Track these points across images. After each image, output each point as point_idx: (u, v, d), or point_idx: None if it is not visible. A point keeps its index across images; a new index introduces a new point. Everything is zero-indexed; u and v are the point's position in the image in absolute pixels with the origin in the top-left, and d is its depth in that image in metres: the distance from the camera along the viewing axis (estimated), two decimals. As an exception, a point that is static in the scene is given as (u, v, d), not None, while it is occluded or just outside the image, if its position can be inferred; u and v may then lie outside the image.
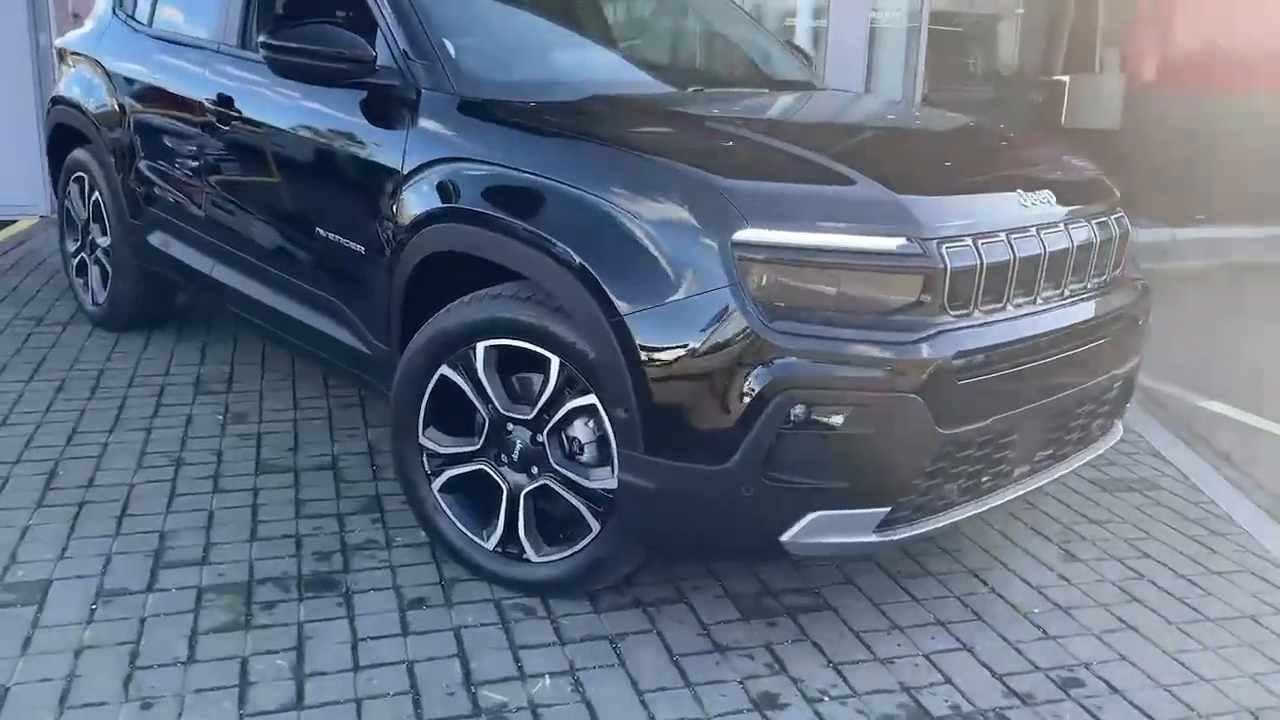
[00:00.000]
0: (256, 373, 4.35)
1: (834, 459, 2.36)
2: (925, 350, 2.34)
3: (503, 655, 2.54)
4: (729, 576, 2.90)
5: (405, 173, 2.91)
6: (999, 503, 2.67)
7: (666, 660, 2.55)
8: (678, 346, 2.33)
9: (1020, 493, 2.72)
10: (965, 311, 2.42)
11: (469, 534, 2.84)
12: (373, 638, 2.59)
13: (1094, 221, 2.80)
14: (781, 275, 2.32)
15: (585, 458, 2.70)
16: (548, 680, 2.46)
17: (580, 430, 2.69)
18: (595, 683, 2.45)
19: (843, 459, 2.36)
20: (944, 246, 2.37)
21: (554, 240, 2.48)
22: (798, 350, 2.28)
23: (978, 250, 2.42)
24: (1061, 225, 2.67)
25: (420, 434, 2.83)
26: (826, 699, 2.44)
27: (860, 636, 2.69)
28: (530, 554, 2.76)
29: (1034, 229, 2.58)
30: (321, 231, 3.23)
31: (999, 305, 2.50)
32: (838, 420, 2.32)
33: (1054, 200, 2.72)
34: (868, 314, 2.35)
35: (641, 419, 2.38)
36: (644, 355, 2.35)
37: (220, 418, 3.89)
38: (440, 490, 2.86)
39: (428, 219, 2.81)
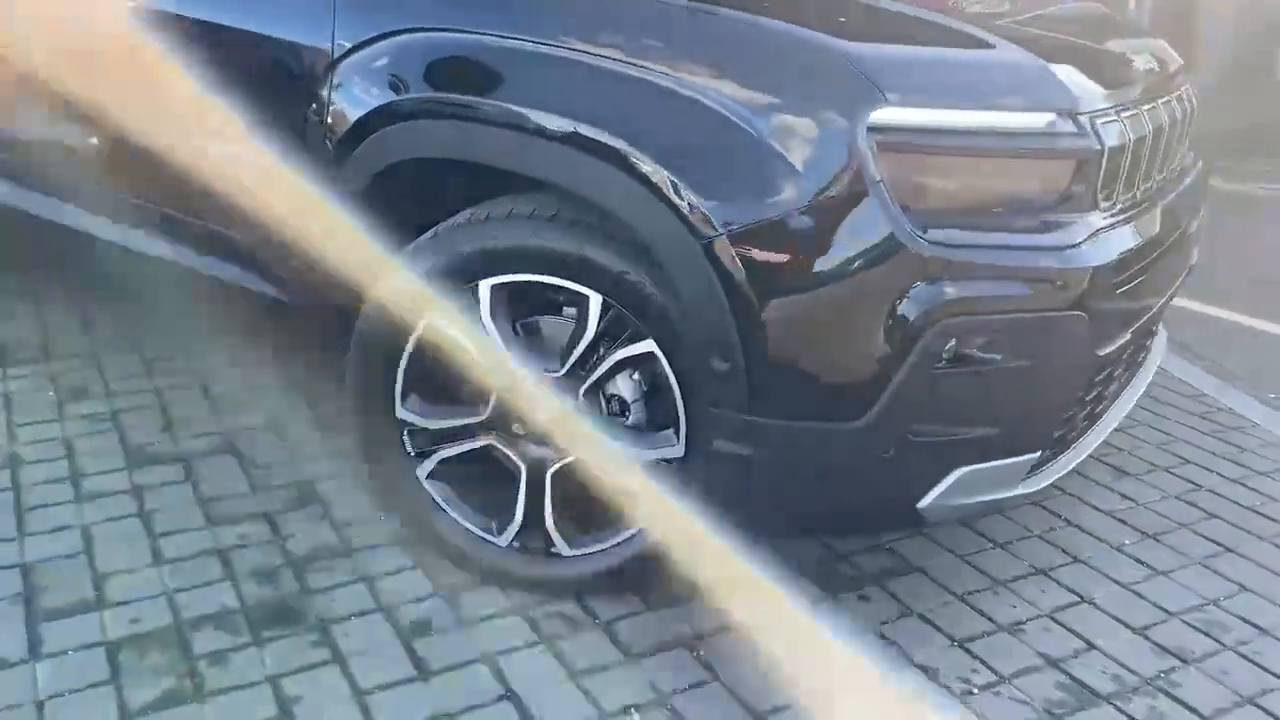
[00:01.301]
0: (78, 332, 3.38)
1: (988, 401, 1.87)
2: (1090, 254, 1.86)
3: (565, 691, 1.94)
4: (775, 540, 2.39)
5: (336, 56, 2.13)
6: (1113, 428, 2.27)
7: (767, 665, 2.02)
8: (801, 272, 1.74)
9: (1121, 416, 2.33)
10: (1111, 203, 1.95)
11: (475, 529, 2.18)
12: (382, 688, 1.92)
13: (1180, 93, 2.38)
14: (930, 168, 1.77)
15: (631, 421, 2.09)
16: (637, 718, 1.89)
17: (625, 386, 2.07)
18: (697, 707, 1.90)
19: (998, 400, 1.87)
20: (1099, 123, 1.88)
21: (608, 136, 1.82)
22: (956, 266, 1.75)
23: (1125, 126, 1.95)
24: (1170, 98, 2.24)
25: (398, 406, 2.13)
26: (975, 691, 1.99)
27: (967, 600, 2.26)
28: (561, 547, 2.14)
29: (1157, 101, 2.13)
30: (217, 149, 2.39)
31: (1132, 192, 2.05)
32: (997, 351, 1.82)
33: (1158, 69, 2.29)
34: (1025, 214, 1.84)
35: (748, 370, 1.79)
36: (753, 287, 1.75)
37: (51, 395, 2.98)
38: (430, 477, 2.18)
39: (383, 118, 2.06)
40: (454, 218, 2.02)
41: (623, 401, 2.09)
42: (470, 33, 1.97)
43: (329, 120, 2.14)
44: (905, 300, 1.74)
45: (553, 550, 2.16)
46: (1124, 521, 2.61)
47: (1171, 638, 2.18)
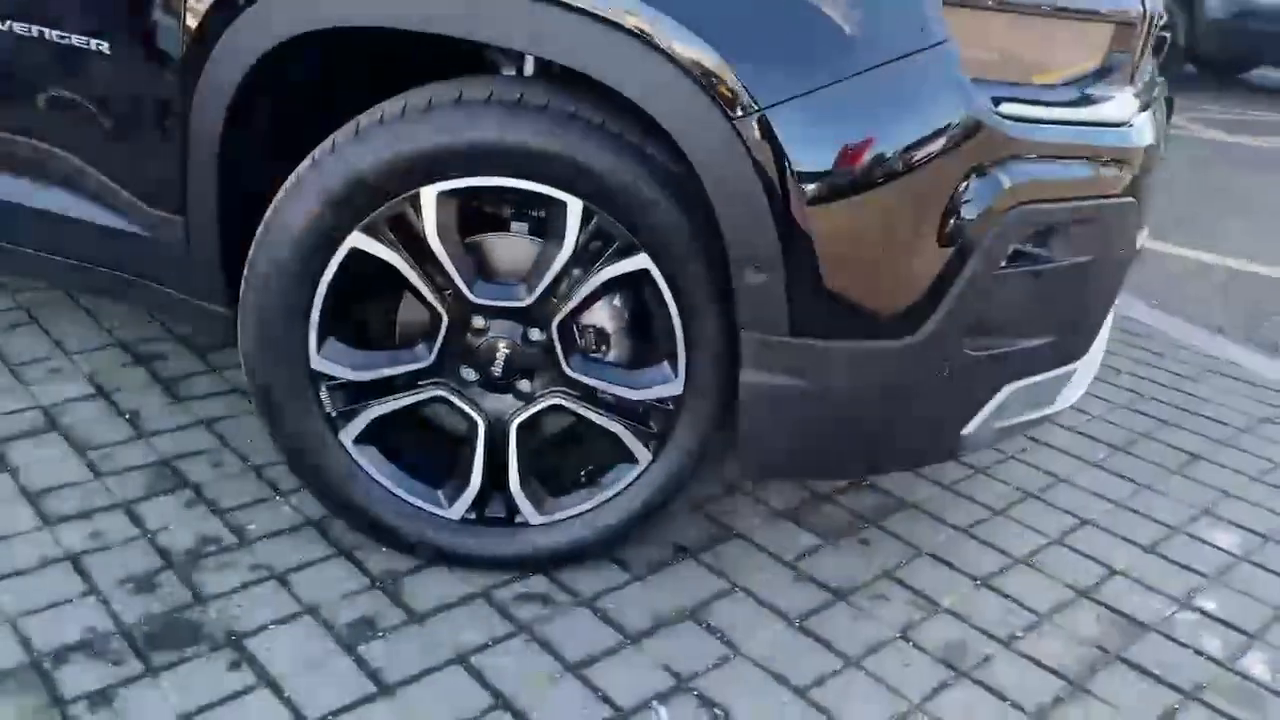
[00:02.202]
0: None
1: (1049, 304, 1.62)
2: (1141, 133, 1.64)
3: (566, 688, 1.58)
4: (730, 479, 2.10)
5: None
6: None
7: (789, 631, 1.73)
8: (856, 154, 1.42)
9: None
10: (1135, 85, 1.73)
11: (417, 502, 1.76)
12: (336, 714, 1.50)
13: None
14: (996, 30, 1.48)
15: (614, 356, 1.73)
16: (664, 715, 1.55)
17: (604, 315, 1.70)
18: (731, 691, 1.58)
19: (1057, 302, 1.63)
20: None
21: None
22: (1028, 145, 1.48)
23: (1147, -3, 1.72)
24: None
25: (313, 354, 1.67)
26: (1020, 634, 1.77)
27: (972, 534, 2.04)
28: (529, 514, 1.76)
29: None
30: (18, 28, 1.81)
31: (1144, 76, 1.83)
32: (1059, 245, 1.57)
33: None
34: (1081, 87, 1.58)
35: (790, 282, 1.46)
36: (799, 176, 1.41)
37: None
38: (357, 442, 1.73)
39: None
40: (383, 107, 1.57)
41: (600, 334, 1.72)
42: None
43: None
44: (973, 186, 1.46)
45: (518, 519, 1.77)
46: (1090, 436, 2.47)
47: (1183, 554, 2.03)
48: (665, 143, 1.54)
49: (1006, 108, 1.45)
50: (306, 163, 1.59)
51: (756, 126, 1.40)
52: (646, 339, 1.73)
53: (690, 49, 1.39)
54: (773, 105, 1.39)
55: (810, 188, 1.41)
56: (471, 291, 1.63)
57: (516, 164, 1.54)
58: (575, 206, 1.56)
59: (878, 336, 1.51)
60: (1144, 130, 1.66)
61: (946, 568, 1.92)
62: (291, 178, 1.60)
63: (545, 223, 1.62)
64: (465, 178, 1.56)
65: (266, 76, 1.64)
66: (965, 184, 1.45)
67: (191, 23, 1.63)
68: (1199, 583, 1.95)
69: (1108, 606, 1.85)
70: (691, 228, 1.55)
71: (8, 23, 1.80)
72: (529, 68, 1.78)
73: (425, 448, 1.81)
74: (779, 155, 1.41)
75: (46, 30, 1.78)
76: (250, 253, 1.64)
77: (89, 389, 2.29)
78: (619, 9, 1.40)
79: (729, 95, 1.39)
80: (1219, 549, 2.06)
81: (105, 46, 1.74)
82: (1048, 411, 1.75)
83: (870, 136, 1.41)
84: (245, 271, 1.64)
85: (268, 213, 1.61)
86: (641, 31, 1.40)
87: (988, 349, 1.58)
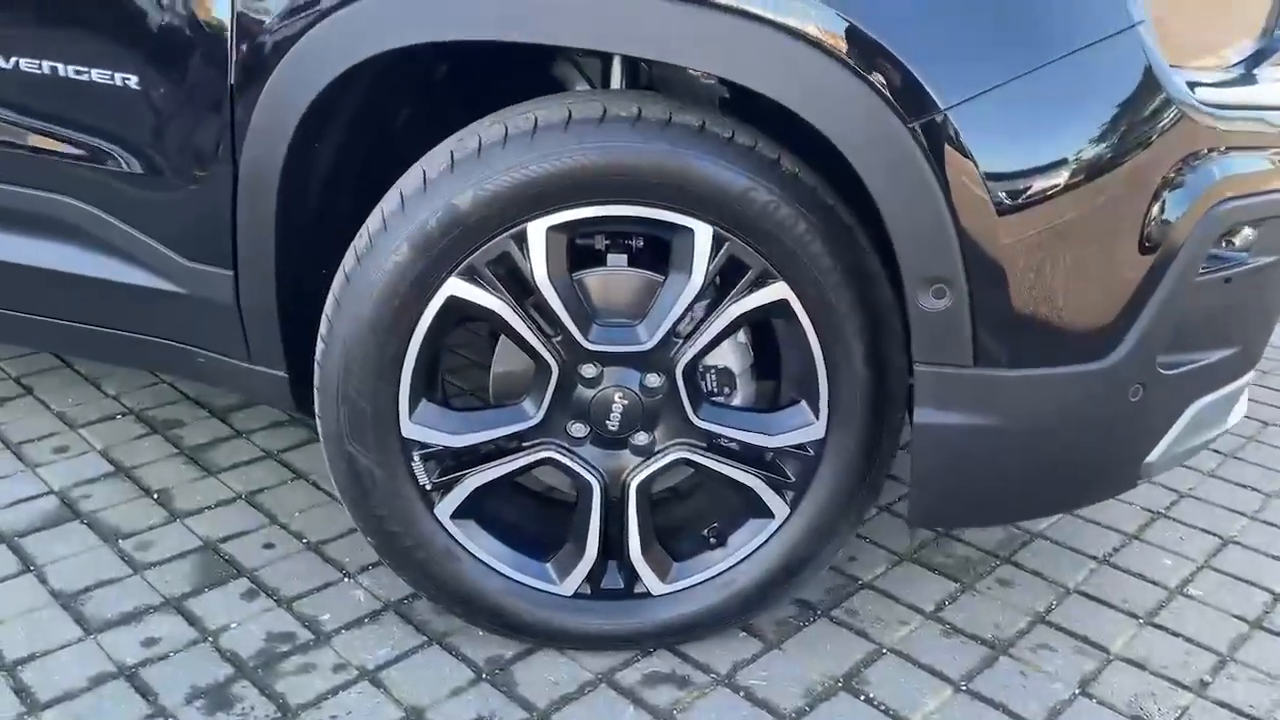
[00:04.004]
0: None
1: (1239, 309, 1.45)
2: (1319, 116, 1.47)
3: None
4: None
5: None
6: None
7: (958, 697, 1.53)
8: (1049, 156, 1.23)
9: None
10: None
11: (524, 579, 1.54)
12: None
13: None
14: (1187, 3, 1.31)
15: (740, 400, 1.53)
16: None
17: (730, 354, 1.50)
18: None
19: (1247, 309, 1.46)
20: None
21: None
22: (1228, 135, 1.31)
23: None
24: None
25: (404, 420, 1.44)
26: (1209, 678, 1.59)
27: (1115, 564, 1.86)
28: (651, 584, 1.55)
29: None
30: (25, 64, 1.57)
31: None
32: (1257, 243, 1.40)
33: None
34: (1255, 64, 1.42)
35: (974, 304, 1.27)
36: (987, 181, 1.22)
37: None
38: (455, 516, 1.51)
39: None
40: (478, 134, 1.35)
41: (724, 375, 1.51)
42: None
43: (230, 28, 1.41)
44: (1176, 183, 1.28)
45: (638, 589, 1.55)
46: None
47: (1342, 570, 1.88)
48: (803, 155, 1.36)
49: (1202, 93, 1.27)
50: (391, 203, 1.37)
51: (938, 130, 1.21)
52: (774, 378, 1.53)
53: (859, 46, 1.20)
54: (956, 105, 1.20)
55: (1001, 195, 1.23)
56: (586, 337, 1.42)
57: (638, 188, 1.34)
58: (704, 233, 1.36)
59: (1070, 361, 1.32)
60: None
61: (1102, 606, 1.74)
62: (373, 221, 1.38)
63: (667, 253, 1.41)
64: (579, 208, 1.35)
65: (334, 105, 1.42)
66: (1168, 181, 1.27)
67: (243, 45, 1.41)
68: (1367, 601, 1.79)
69: (1292, 642, 1.68)
70: (834, 250, 1.36)
71: (13, 60, 1.55)
72: (615, 80, 1.58)
73: (527, 515, 1.59)
74: (964, 161, 1.22)
75: (60, 66, 1.54)
76: (327, 308, 1.41)
77: (105, 467, 2.04)
78: (776, 5, 1.20)
79: (906, 96, 1.20)
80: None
81: (133, 81, 1.51)
82: (1221, 430, 1.57)
83: (1066, 133, 1.23)
84: (322, 329, 1.42)
85: (346, 262, 1.39)
86: (801, 29, 1.20)
87: (1180, 366, 1.40)
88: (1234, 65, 1.41)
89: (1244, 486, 2.14)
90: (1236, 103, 1.32)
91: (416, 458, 1.46)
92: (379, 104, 1.53)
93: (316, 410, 1.46)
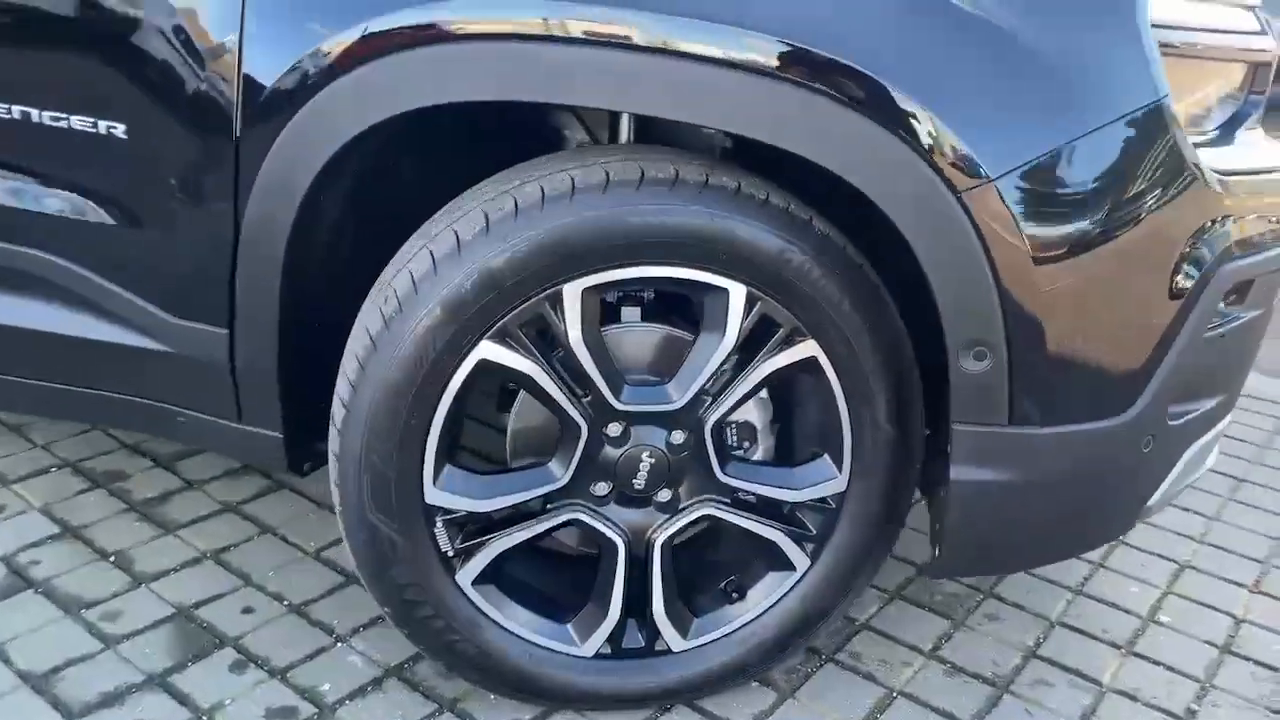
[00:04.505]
0: None
1: (1230, 360, 1.54)
2: (1291, 176, 1.57)
3: None
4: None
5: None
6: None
7: (971, 737, 1.57)
8: (1090, 220, 1.28)
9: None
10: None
11: (545, 642, 1.51)
12: None
13: None
14: (1200, 78, 1.38)
15: (760, 454, 1.53)
16: None
17: (752, 409, 1.51)
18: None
19: (1239, 358, 1.55)
20: None
21: (820, 48, 1.22)
22: (1231, 197, 1.38)
23: None
24: None
25: (429, 487, 1.39)
26: (1196, 706, 1.67)
27: (1089, 594, 1.94)
28: (672, 641, 1.54)
29: None
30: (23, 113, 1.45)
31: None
32: (1249, 299, 1.48)
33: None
34: (1229, 130, 1.50)
35: (1012, 365, 1.31)
36: (1030, 248, 1.26)
37: None
38: (476, 582, 1.47)
39: (381, 42, 1.30)
40: (512, 195, 1.31)
41: (746, 429, 1.52)
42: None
43: (235, 77, 1.33)
44: (1195, 246, 1.35)
45: (658, 647, 1.54)
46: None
47: (1289, 590, 2.01)
48: (833, 216, 1.37)
49: (1205, 157, 1.34)
50: (422, 265, 1.31)
51: (986, 199, 1.23)
52: (791, 431, 1.54)
53: (913, 118, 1.21)
54: (1003, 174, 1.23)
55: (1041, 260, 1.27)
56: (618, 398, 1.40)
57: (676, 250, 1.33)
58: (738, 293, 1.36)
59: (1096, 418, 1.37)
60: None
61: (1086, 638, 1.81)
62: (401, 283, 1.32)
63: (684, 306, 1.41)
64: (615, 269, 1.33)
65: (347, 159, 1.36)
66: (1189, 243, 1.34)
67: (252, 99, 1.33)
68: (1317, 620, 1.91)
69: (1254, 661, 1.78)
70: (862, 308, 1.38)
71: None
72: (623, 133, 1.57)
73: (546, 576, 1.56)
74: (1009, 229, 1.25)
75: (34, 112, 1.43)
76: (349, 373, 1.35)
77: (50, 527, 1.91)
78: (827, 73, 1.21)
79: (956, 166, 1.22)
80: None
81: (119, 130, 1.41)
82: (1201, 472, 1.66)
83: (1101, 200, 1.27)
84: (343, 395, 1.35)
85: (371, 325, 1.33)
86: (856, 98, 1.21)
87: (1183, 416, 1.47)
88: (1216, 129, 1.48)
89: (1188, 510, 2.26)
90: (1236, 168, 1.39)
91: (439, 524, 1.42)
92: (389, 155, 1.47)
93: (334, 479, 1.40)
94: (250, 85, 1.33)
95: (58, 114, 1.43)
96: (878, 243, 1.35)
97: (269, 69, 1.32)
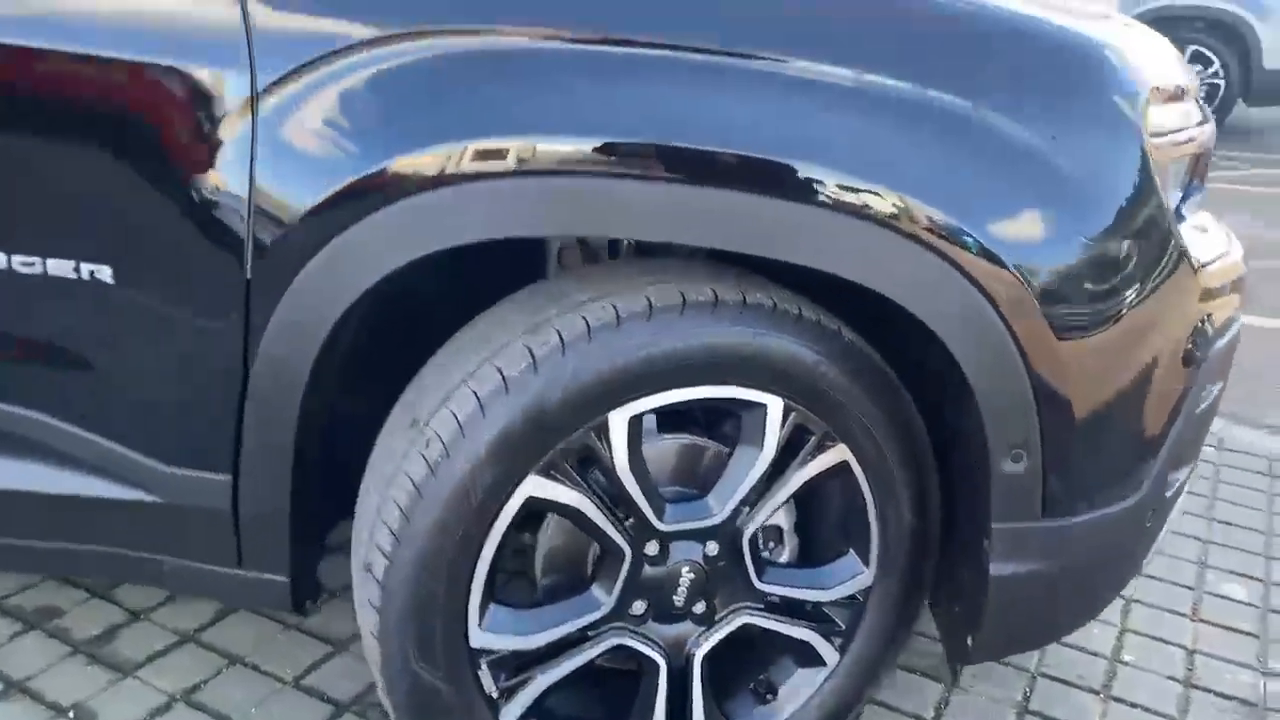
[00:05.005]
0: None
1: (1201, 430, 1.65)
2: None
3: None
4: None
5: (264, 87, 1.24)
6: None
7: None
8: (1117, 319, 1.35)
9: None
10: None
11: (589, 773, 1.48)
12: None
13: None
14: (1177, 175, 1.48)
15: (786, 555, 1.55)
16: None
17: (781, 514, 1.52)
18: None
19: (1205, 426, 1.67)
20: None
21: (856, 179, 1.24)
22: (1209, 275, 1.51)
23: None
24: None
25: (474, 629, 1.34)
26: (1177, 746, 1.78)
27: (1057, 641, 2.04)
28: (709, 750, 1.53)
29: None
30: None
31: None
32: (1221, 370, 1.61)
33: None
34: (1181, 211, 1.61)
35: (1046, 463, 1.37)
36: (1064, 350, 1.32)
37: None
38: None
39: (407, 180, 1.24)
40: (554, 327, 1.28)
41: (774, 533, 1.53)
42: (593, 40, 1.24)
43: (246, 214, 1.25)
44: (1197, 330, 1.46)
45: (693, 759, 1.53)
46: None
47: (1221, 614, 2.16)
48: (857, 323, 1.40)
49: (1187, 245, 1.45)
50: (465, 405, 1.26)
51: (1025, 309, 1.29)
52: (815, 530, 1.56)
53: (954, 236, 1.25)
54: (1040, 282, 1.29)
55: (1073, 362, 1.33)
56: (661, 519, 1.38)
57: (720, 371, 1.33)
58: (776, 406, 1.37)
59: (1116, 501, 1.45)
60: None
61: (1067, 687, 1.91)
62: (444, 426, 1.27)
63: (710, 418, 1.42)
64: (661, 394, 1.32)
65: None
66: (1191, 329, 1.44)
67: (265, 238, 1.25)
68: (1265, 647, 2.06)
69: (1216, 693, 1.92)
70: (888, 410, 1.43)
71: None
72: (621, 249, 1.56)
73: (582, 699, 1.52)
74: (1044, 335, 1.31)
75: (39, 259, 1.31)
76: (392, 522, 1.29)
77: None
78: (871, 197, 1.23)
79: (997, 280, 1.27)
80: (1238, 602, 2.20)
81: (105, 274, 1.30)
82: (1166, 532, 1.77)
83: (1120, 300, 1.34)
84: (386, 545, 1.29)
85: (414, 472, 1.27)
86: (894, 220, 1.25)
87: (1172, 486, 1.57)
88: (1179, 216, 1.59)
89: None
90: (1206, 253, 1.51)
91: (484, 665, 1.37)
92: (413, 276, 1.41)
93: (371, 631, 1.33)
94: (264, 219, 1.25)
95: (28, 259, 1.31)
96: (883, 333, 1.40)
97: (288, 202, 1.24)
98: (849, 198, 1.23)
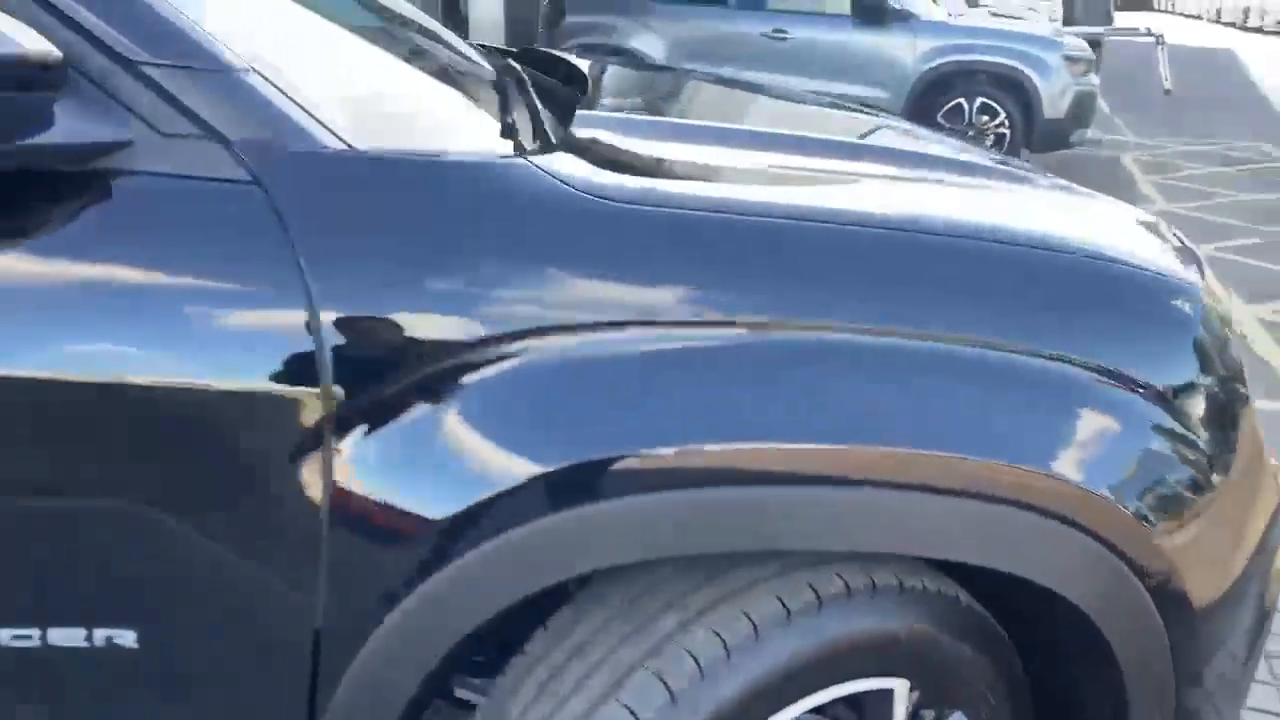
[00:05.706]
0: None
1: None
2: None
3: None
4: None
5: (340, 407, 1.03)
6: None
7: None
8: (1232, 569, 1.33)
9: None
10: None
11: None
12: None
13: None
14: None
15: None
16: None
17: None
18: None
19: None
20: None
21: (999, 459, 1.16)
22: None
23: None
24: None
25: None
26: None
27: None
28: None
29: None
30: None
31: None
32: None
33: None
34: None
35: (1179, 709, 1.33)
36: (1195, 606, 1.28)
37: None
38: None
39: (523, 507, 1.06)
40: (691, 649, 1.13)
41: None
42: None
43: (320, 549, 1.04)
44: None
45: None
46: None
47: None
48: (967, 587, 1.33)
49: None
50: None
51: (1167, 578, 1.24)
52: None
53: (1113, 520, 1.19)
54: (1179, 558, 1.24)
55: (1205, 623, 1.29)
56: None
57: (873, 660, 1.23)
58: (903, 689, 1.27)
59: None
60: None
61: None
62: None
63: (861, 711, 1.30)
64: (796, 701, 1.19)
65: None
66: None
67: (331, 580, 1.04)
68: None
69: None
70: (1005, 674, 1.36)
71: None
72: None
73: None
74: (1180, 598, 1.26)
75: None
76: None
77: None
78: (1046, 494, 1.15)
79: (1148, 560, 1.22)
80: None
81: (128, 639, 1.05)
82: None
83: (1238, 541, 1.33)
84: None
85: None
86: (1051, 509, 1.17)
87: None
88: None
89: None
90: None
91: None
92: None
93: None
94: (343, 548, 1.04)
95: (20, 631, 1.04)
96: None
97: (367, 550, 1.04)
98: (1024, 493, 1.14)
